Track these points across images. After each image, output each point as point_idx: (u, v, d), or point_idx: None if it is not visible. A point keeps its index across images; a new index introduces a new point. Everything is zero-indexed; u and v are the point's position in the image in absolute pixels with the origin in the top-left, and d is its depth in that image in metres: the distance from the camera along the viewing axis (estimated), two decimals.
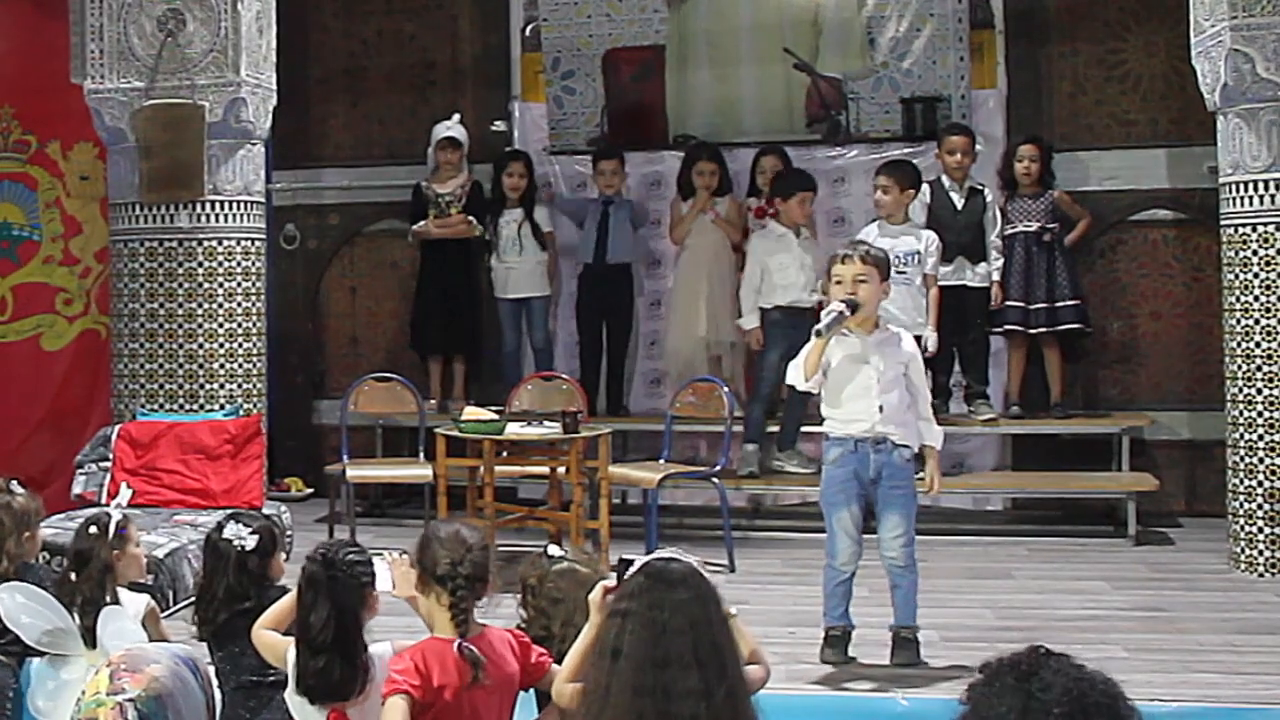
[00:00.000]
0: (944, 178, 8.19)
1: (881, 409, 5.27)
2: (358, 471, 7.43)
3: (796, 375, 5.37)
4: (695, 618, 2.76)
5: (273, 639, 3.72)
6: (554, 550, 3.77)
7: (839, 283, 5.30)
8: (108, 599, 4.17)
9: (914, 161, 8.09)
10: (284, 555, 4.36)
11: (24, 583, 4.23)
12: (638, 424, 8.64)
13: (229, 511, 4.42)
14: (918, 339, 7.50)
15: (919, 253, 7.66)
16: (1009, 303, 8.15)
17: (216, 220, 7.68)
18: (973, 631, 5.81)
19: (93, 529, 4.29)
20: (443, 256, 8.90)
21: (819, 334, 5.23)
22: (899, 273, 7.57)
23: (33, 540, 4.56)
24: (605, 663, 2.81)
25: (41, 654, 4.13)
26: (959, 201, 8.13)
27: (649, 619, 2.76)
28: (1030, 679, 2.14)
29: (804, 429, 7.98)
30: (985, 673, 2.21)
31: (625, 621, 2.80)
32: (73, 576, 4.21)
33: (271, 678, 3.94)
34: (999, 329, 8.25)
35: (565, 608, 3.57)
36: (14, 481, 4.60)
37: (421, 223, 8.87)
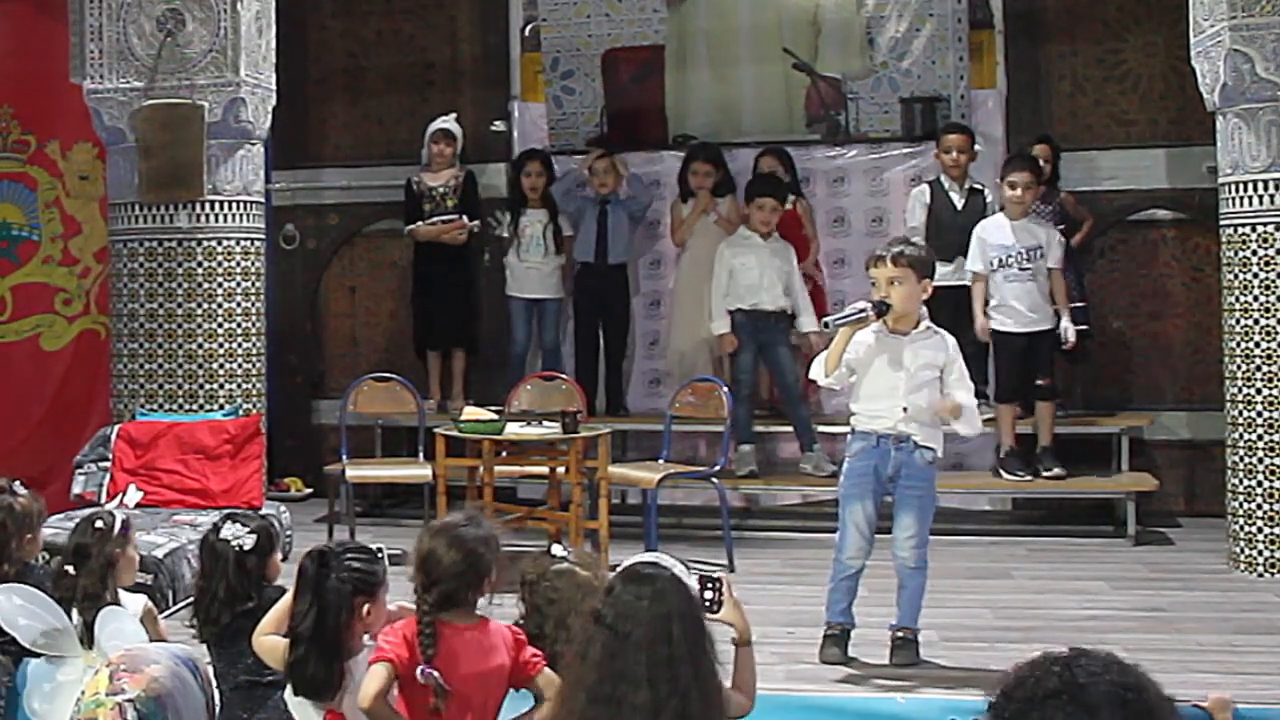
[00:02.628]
0: (943, 177, 8.19)
1: (906, 409, 5.26)
2: (357, 471, 7.42)
3: (818, 370, 5.37)
4: (655, 634, 2.80)
5: (273, 643, 3.72)
6: (557, 550, 3.77)
7: (874, 284, 5.30)
8: (108, 595, 4.17)
9: (1033, 156, 8.03)
10: (280, 555, 4.36)
11: (23, 584, 4.23)
12: (637, 424, 8.64)
13: (225, 512, 4.42)
14: (1046, 334, 7.57)
15: (1041, 247, 7.63)
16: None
17: (216, 220, 7.68)
18: (972, 631, 5.81)
19: (98, 523, 4.29)
20: (438, 252, 8.86)
21: (827, 325, 5.26)
22: (1022, 269, 7.60)
23: (34, 542, 4.56)
24: (577, 663, 2.88)
25: (38, 655, 4.12)
26: (959, 201, 8.12)
27: (614, 628, 2.82)
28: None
29: (822, 429, 8.04)
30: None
31: (597, 626, 2.85)
32: (71, 570, 4.20)
33: (269, 678, 3.94)
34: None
35: (559, 609, 3.56)
36: (17, 483, 4.60)
37: (421, 224, 8.84)
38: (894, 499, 5.36)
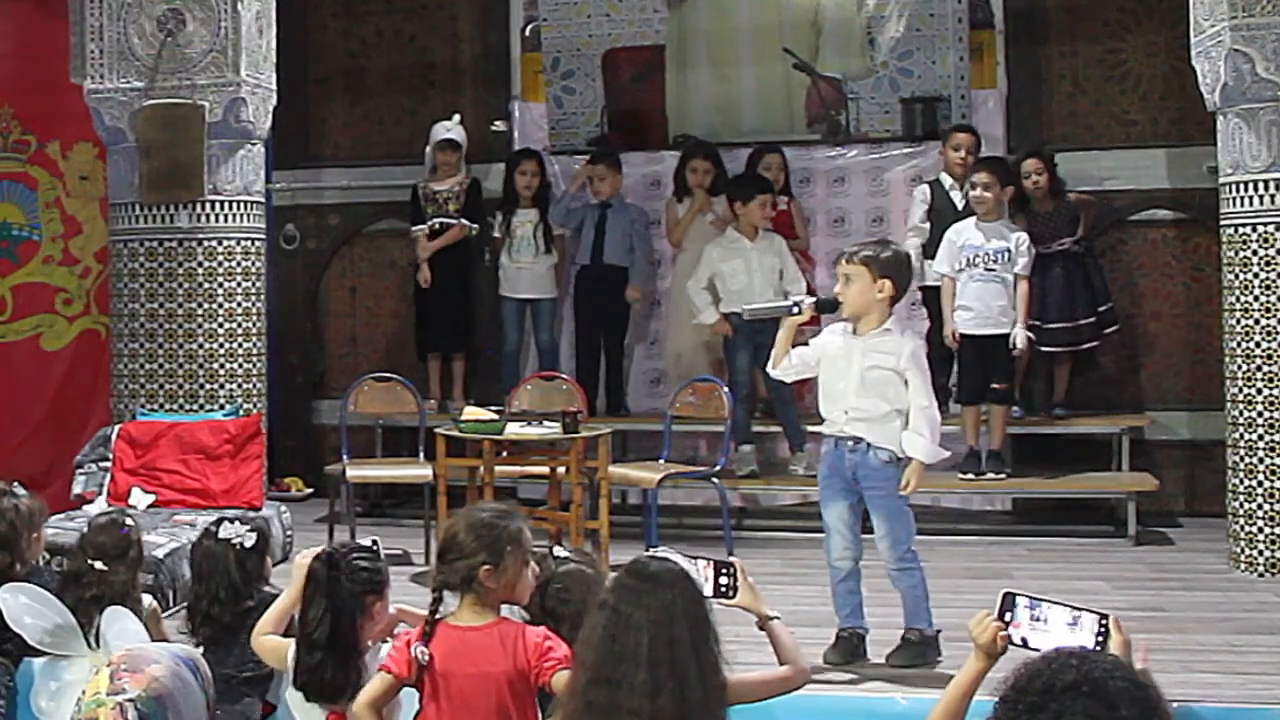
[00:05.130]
0: (944, 176, 8.19)
1: (847, 411, 5.24)
2: (357, 471, 7.43)
3: (771, 363, 5.44)
4: (658, 618, 2.85)
5: (274, 643, 3.74)
6: (560, 551, 3.76)
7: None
8: (135, 593, 4.21)
9: (1004, 158, 7.99)
10: (272, 559, 4.39)
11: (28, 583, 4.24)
12: (637, 424, 8.64)
13: (217, 516, 4.46)
14: (1006, 337, 7.59)
15: (1009, 250, 7.64)
16: (1051, 324, 8.02)
17: (216, 220, 7.68)
18: None
19: (128, 521, 4.33)
20: (439, 256, 8.86)
21: (742, 314, 5.32)
22: (988, 269, 7.61)
23: (38, 542, 4.58)
24: (581, 649, 2.95)
25: (39, 654, 4.13)
26: (959, 201, 8.12)
27: (616, 613, 2.88)
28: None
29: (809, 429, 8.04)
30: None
31: (600, 614, 2.91)
32: (103, 568, 4.21)
33: (247, 673, 3.98)
34: (1053, 348, 8.13)
35: (573, 609, 3.51)
36: (16, 484, 4.61)
37: (420, 230, 8.83)
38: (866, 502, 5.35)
